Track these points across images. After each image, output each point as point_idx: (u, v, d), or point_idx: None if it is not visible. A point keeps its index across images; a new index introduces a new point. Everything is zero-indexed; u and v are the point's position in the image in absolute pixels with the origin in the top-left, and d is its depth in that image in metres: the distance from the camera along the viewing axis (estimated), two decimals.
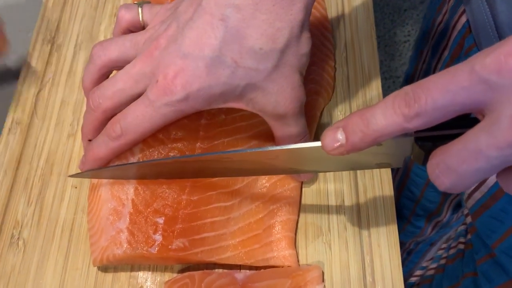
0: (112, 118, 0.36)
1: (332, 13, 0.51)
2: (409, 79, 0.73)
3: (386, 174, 0.43)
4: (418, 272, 0.74)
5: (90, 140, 0.39)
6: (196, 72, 0.33)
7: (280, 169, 0.36)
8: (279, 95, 0.35)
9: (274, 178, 0.41)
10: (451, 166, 0.24)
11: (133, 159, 0.38)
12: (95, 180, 0.40)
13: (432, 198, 0.66)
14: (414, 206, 0.71)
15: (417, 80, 0.29)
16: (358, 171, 0.43)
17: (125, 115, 0.35)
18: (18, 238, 0.40)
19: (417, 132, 0.28)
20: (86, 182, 0.43)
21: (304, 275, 0.37)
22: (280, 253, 0.39)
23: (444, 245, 0.67)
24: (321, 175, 0.43)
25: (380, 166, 0.33)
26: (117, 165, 0.37)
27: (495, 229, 0.48)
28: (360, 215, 0.41)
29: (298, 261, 0.39)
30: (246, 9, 0.32)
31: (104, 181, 0.39)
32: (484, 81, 0.23)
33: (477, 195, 0.50)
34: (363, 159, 0.32)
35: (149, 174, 0.38)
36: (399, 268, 0.39)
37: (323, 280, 0.38)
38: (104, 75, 0.38)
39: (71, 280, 0.39)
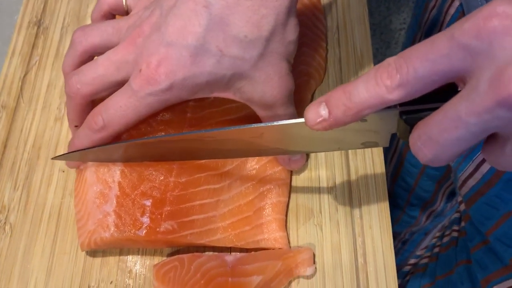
0: (93, 109, 0.35)
1: None
2: None
3: (378, 156, 0.42)
4: (412, 261, 0.73)
5: (76, 126, 0.38)
6: (180, 61, 0.32)
7: (266, 149, 0.35)
8: (266, 84, 0.34)
9: (264, 160, 0.40)
10: (432, 137, 0.24)
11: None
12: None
13: (427, 187, 0.66)
14: (408, 196, 0.70)
15: None
16: (350, 153, 0.42)
17: (107, 106, 0.34)
18: (5, 222, 0.40)
19: (401, 106, 0.27)
20: None
21: (295, 257, 0.37)
22: (271, 235, 0.39)
23: (438, 234, 0.66)
24: (312, 159, 0.42)
25: (366, 145, 0.32)
26: (101, 146, 0.36)
27: (489, 216, 0.48)
28: (352, 197, 0.41)
29: (289, 243, 0.39)
30: None
31: (90, 163, 0.38)
32: (464, 47, 0.22)
33: (471, 182, 0.49)
34: (349, 138, 0.32)
35: (135, 155, 0.37)
36: (391, 250, 0.39)
37: (314, 262, 0.38)
38: (85, 61, 0.37)
39: (59, 265, 0.38)
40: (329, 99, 0.27)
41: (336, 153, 0.42)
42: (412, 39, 0.68)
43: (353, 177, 0.42)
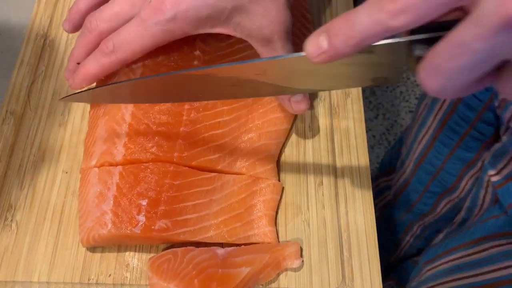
0: (106, 37, 0.39)
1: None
2: None
3: (363, 156, 0.45)
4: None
5: (78, 64, 0.41)
6: None
7: (270, 87, 0.33)
8: (264, 18, 0.37)
9: (253, 158, 0.42)
10: (438, 66, 0.23)
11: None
12: (84, 165, 0.42)
13: (453, 170, 0.63)
14: (429, 181, 0.68)
15: None
16: (337, 152, 0.45)
17: (118, 33, 0.38)
18: (11, 220, 0.42)
19: (411, 35, 0.25)
20: (76, 168, 0.45)
21: (283, 250, 0.39)
22: (261, 230, 0.41)
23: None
24: (300, 158, 0.45)
25: (376, 81, 0.30)
26: (108, 84, 0.38)
27: None
28: (338, 195, 0.43)
29: (278, 238, 0.41)
30: None
31: (93, 166, 0.41)
32: None
33: None
34: (357, 73, 0.30)
35: (141, 94, 0.38)
36: (375, 244, 0.41)
37: (301, 256, 0.40)
38: (99, 4, 0.41)
39: (61, 260, 0.41)
40: (329, 28, 0.25)
41: (324, 152, 0.45)
42: (433, 103, 0.66)
43: (339, 175, 0.44)
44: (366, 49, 0.26)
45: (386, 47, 0.26)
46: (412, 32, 0.25)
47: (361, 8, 0.24)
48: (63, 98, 0.40)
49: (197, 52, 0.43)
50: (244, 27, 0.37)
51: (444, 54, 0.23)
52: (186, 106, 0.42)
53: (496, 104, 0.51)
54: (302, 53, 0.28)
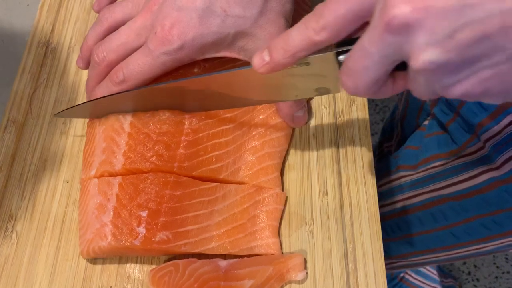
0: (115, 67, 0.40)
1: None
2: None
3: (368, 165, 0.44)
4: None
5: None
6: (190, 22, 0.37)
7: (239, 99, 0.39)
8: (267, 41, 0.38)
9: (256, 166, 0.42)
10: (349, 68, 0.28)
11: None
12: (83, 176, 0.42)
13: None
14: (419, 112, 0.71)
15: None
16: (342, 161, 0.44)
17: (127, 64, 0.39)
18: (12, 231, 0.42)
19: (338, 47, 0.31)
20: (77, 177, 0.44)
21: (286, 262, 0.38)
22: (264, 242, 0.40)
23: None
24: (305, 168, 0.44)
25: (320, 91, 0.36)
26: (113, 94, 0.40)
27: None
28: (343, 204, 0.42)
29: (281, 249, 0.40)
30: None
31: (93, 177, 0.40)
32: None
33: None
34: (301, 84, 0.35)
35: (142, 104, 0.41)
36: (381, 255, 0.40)
37: (305, 268, 0.39)
38: (108, 35, 0.41)
39: (61, 271, 0.40)
40: (270, 45, 0.31)
41: (328, 161, 0.44)
42: None
43: (344, 185, 0.43)
44: (302, 61, 0.32)
45: (317, 58, 0.32)
46: (339, 45, 0.30)
47: (293, 28, 0.29)
48: (57, 114, 0.42)
49: (196, 70, 0.43)
50: (247, 50, 0.39)
51: (352, 58, 0.28)
52: (187, 115, 0.41)
53: None
54: (250, 66, 0.33)
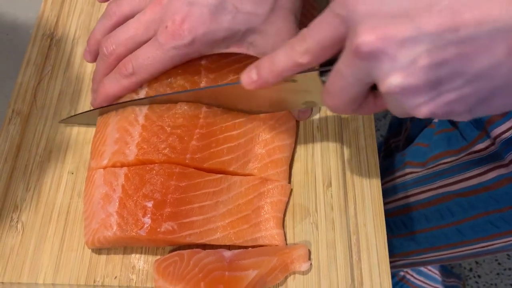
0: (124, 59, 0.40)
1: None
2: None
3: (373, 157, 0.44)
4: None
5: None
6: (201, 18, 0.37)
7: (237, 107, 0.42)
8: (277, 37, 0.38)
9: (266, 159, 0.42)
10: (329, 89, 0.31)
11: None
12: (93, 165, 0.42)
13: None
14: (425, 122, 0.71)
15: None
16: (345, 154, 0.44)
17: (136, 56, 0.39)
18: (17, 221, 0.42)
19: (321, 67, 0.33)
20: (82, 168, 0.44)
21: (291, 253, 0.38)
22: (268, 233, 0.40)
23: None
24: (309, 160, 0.44)
25: (307, 105, 0.38)
26: (120, 103, 0.41)
27: None
28: (347, 196, 0.42)
29: (285, 240, 0.40)
30: None
31: (104, 166, 0.41)
32: (336, 16, 0.28)
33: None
34: (290, 98, 0.38)
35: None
36: (385, 247, 0.40)
37: (309, 259, 0.39)
38: (115, 29, 0.42)
39: (66, 261, 0.40)
40: (258, 65, 0.33)
41: (332, 154, 0.44)
42: None
43: (348, 177, 0.43)
44: (289, 78, 0.34)
45: (303, 77, 0.34)
46: (323, 65, 0.33)
47: (279, 50, 0.32)
48: (62, 120, 0.43)
49: (203, 72, 0.43)
50: (257, 46, 0.39)
51: (331, 79, 0.30)
52: (204, 108, 0.41)
53: None
54: (239, 82, 0.35)
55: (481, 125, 0.49)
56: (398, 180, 0.63)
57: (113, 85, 0.41)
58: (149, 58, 0.39)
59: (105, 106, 0.42)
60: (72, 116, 0.42)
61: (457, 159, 0.54)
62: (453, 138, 0.54)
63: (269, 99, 0.39)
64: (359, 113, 0.32)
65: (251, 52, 0.40)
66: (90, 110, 0.43)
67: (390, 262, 0.40)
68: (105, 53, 0.40)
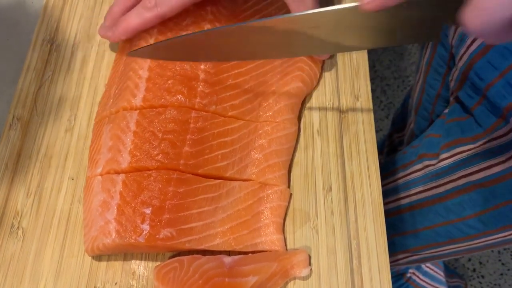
0: None
1: None
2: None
3: (373, 163, 0.44)
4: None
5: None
6: None
7: (320, 43, 0.35)
8: None
9: (263, 164, 0.42)
10: (478, 5, 0.26)
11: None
12: (89, 174, 0.42)
13: (441, 112, 0.66)
14: (428, 126, 0.71)
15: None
16: (346, 158, 0.44)
17: None
18: (18, 227, 0.42)
19: None
20: (82, 174, 0.44)
21: (291, 258, 0.38)
22: (268, 238, 0.40)
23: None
24: (309, 165, 0.44)
25: (416, 38, 0.33)
26: (160, 42, 0.40)
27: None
28: (347, 201, 0.42)
29: (285, 245, 0.40)
30: None
31: (99, 174, 0.41)
32: None
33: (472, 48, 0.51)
34: (401, 28, 0.33)
35: (182, 52, 0.41)
36: (385, 252, 0.40)
37: (310, 264, 0.39)
38: None
39: (67, 267, 0.40)
40: None
41: (332, 157, 0.44)
42: (422, 49, 0.69)
43: (348, 181, 0.43)
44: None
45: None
46: None
47: None
48: (132, 52, 0.42)
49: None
50: None
51: None
52: (193, 114, 0.42)
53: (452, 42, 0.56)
54: (355, 4, 0.31)
55: (499, 111, 0.49)
56: (415, 175, 0.63)
57: (133, 18, 0.44)
58: None
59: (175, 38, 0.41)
60: (138, 48, 0.42)
61: (474, 148, 0.53)
62: (467, 125, 0.54)
63: (372, 29, 0.33)
64: (499, 42, 0.28)
65: None
66: (156, 43, 0.43)
67: (407, 257, 0.39)
68: None
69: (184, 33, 0.45)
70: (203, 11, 0.46)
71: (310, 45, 0.36)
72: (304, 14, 0.33)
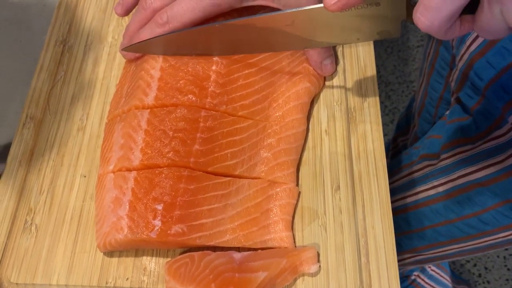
0: (160, 11, 0.44)
1: None
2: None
3: (381, 161, 0.44)
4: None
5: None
6: None
7: (296, 38, 0.41)
8: None
9: (272, 162, 0.42)
10: (425, 4, 0.29)
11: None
12: (101, 171, 0.43)
13: (443, 114, 0.68)
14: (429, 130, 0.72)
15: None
16: (354, 157, 0.44)
17: (171, 7, 0.44)
18: (31, 224, 0.43)
19: None
20: (94, 172, 0.45)
21: (300, 255, 0.39)
22: (277, 235, 0.41)
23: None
24: (317, 164, 0.44)
25: (381, 34, 0.38)
26: (160, 36, 0.43)
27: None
28: (355, 199, 0.42)
29: (294, 242, 0.41)
30: None
31: (111, 171, 0.41)
32: None
33: (472, 47, 0.53)
34: (365, 26, 0.38)
35: (184, 46, 0.44)
36: (393, 250, 0.40)
37: (318, 261, 0.40)
38: None
39: (79, 263, 0.41)
40: None
41: (340, 156, 0.44)
42: (425, 52, 0.70)
43: (356, 180, 0.43)
44: (373, 1, 0.34)
45: (390, 1, 0.34)
46: None
47: None
48: (126, 48, 0.46)
49: (213, 77, 0.45)
50: None
51: None
52: (203, 113, 0.42)
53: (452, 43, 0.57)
54: (319, 5, 0.36)
55: (498, 111, 0.49)
56: (415, 175, 0.63)
57: (146, 34, 0.44)
58: (183, 8, 0.43)
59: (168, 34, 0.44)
60: (132, 45, 0.45)
61: (474, 148, 0.54)
62: (467, 126, 0.54)
63: (343, 27, 0.38)
64: (445, 37, 0.31)
65: (275, 4, 0.43)
66: (148, 39, 0.45)
67: (412, 257, 0.40)
68: (143, 6, 0.45)
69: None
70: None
71: (287, 41, 0.41)
72: (281, 13, 0.39)
